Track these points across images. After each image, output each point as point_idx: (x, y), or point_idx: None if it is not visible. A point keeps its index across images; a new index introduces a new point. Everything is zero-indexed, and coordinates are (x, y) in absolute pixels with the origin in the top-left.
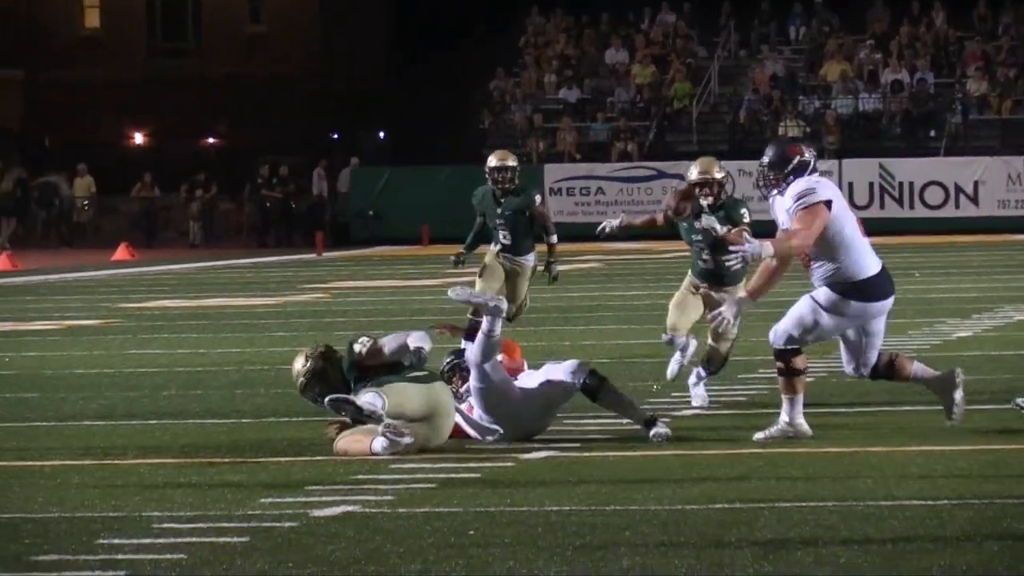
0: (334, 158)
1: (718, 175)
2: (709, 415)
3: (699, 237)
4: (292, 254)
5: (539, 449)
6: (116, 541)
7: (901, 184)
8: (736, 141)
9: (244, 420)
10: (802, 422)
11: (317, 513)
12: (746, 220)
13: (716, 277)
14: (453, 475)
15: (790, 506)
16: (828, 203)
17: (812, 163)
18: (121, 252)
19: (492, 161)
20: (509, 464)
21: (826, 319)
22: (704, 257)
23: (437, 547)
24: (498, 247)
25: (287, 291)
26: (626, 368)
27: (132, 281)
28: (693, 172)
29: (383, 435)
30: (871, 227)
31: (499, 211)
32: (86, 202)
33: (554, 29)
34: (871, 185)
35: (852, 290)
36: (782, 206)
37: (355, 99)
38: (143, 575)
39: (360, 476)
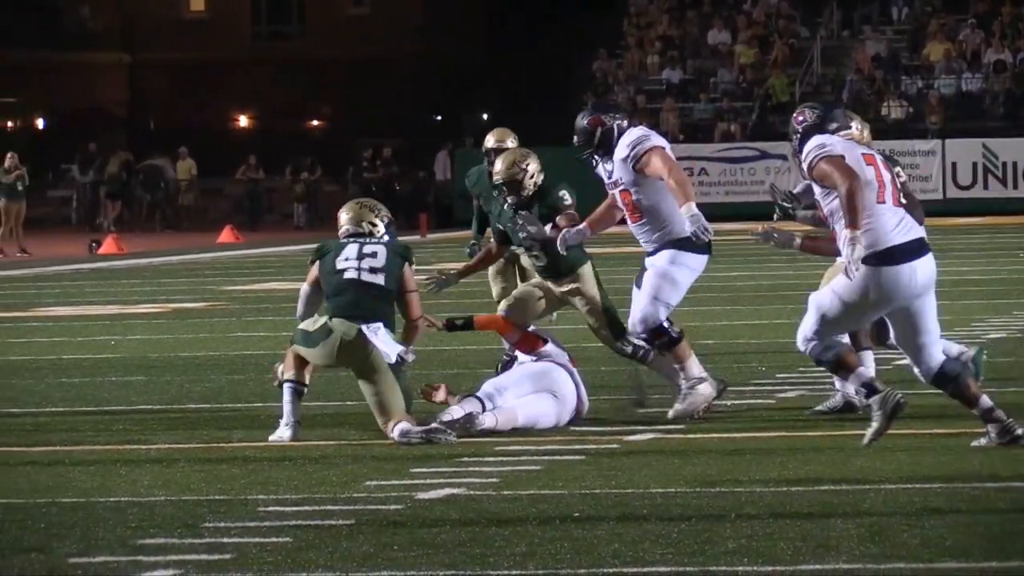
0: (437, 140)
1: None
2: (812, 396)
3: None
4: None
5: (643, 431)
6: (222, 524)
7: (1004, 164)
8: None
9: (348, 402)
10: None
11: (422, 496)
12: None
13: (554, 271)
14: (558, 457)
15: (895, 487)
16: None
17: (616, 128)
18: (226, 235)
19: (489, 141)
20: (614, 446)
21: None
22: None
23: (542, 529)
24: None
25: None
26: (728, 349)
27: (237, 264)
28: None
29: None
30: (974, 207)
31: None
32: (186, 183)
33: (656, 10)
34: (974, 165)
35: (688, 244)
36: (618, 159)
37: (457, 81)
38: (249, 558)
39: (465, 458)
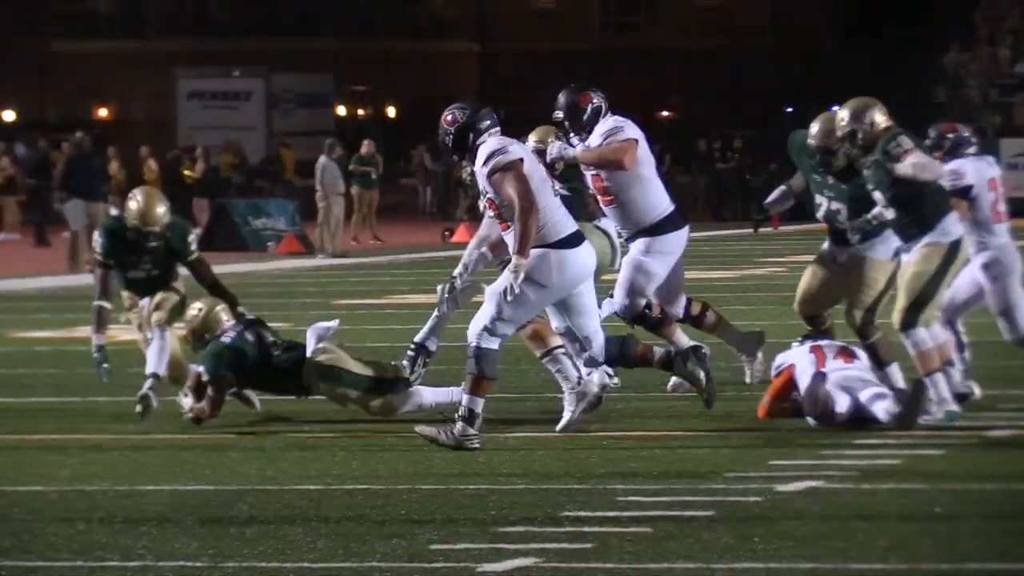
0: (790, 131)
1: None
2: None
3: None
4: (749, 228)
5: (1003, 426)
6: (582, 514)
7: None
8: None
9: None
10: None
11: (781, 488)
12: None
13: None
14: (917, 451)
15: None
16: (521, 161)
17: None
18: None
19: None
20: (973, 441)
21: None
22: None
23: (903, 523)
24: None
25: (745, 264)
26: None
27: None
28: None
29: None
30: None
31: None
32: None
33: (1008, 3)
34: None
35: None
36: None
37: (808, 72)
38: (609, 548)
39: (824, 452)
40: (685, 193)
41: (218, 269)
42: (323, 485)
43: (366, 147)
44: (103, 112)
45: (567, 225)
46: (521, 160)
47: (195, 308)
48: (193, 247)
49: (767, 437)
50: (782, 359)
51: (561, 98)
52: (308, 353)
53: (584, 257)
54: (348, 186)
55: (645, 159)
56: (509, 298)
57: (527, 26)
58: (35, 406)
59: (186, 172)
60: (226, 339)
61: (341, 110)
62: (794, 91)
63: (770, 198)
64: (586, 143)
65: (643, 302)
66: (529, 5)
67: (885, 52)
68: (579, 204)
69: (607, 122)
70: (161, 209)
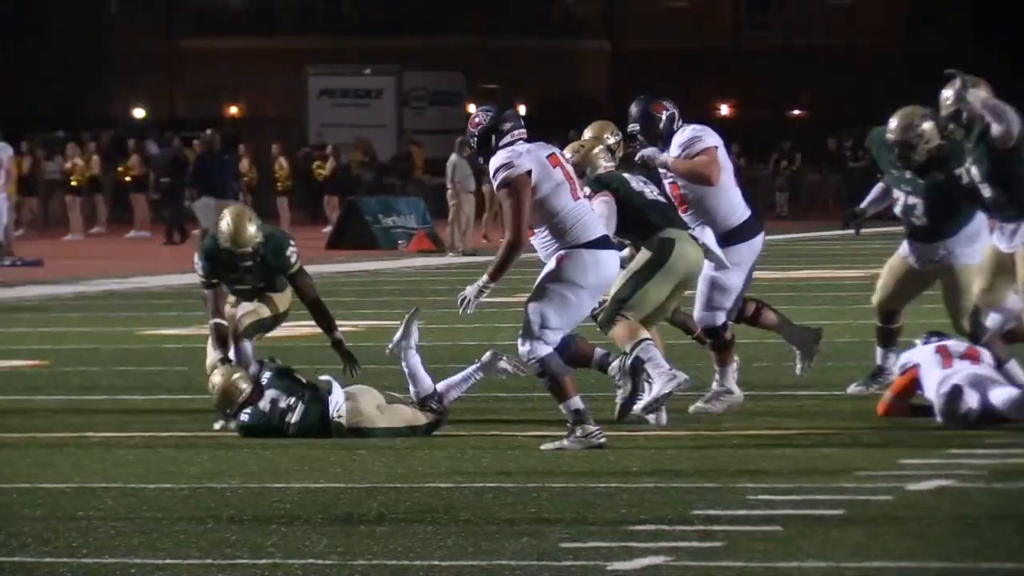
0: None
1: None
2: None
3: None
4: (878, 227)
5: None
6: (712, 512)
7: None
8: None
9: (835, 392)
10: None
11: (912, 487)
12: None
13: None
14: None
15: None
16: (528, 173)
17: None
18: None
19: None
20: None
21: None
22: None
23: None
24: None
25: (875, 263)
26: None
27: None
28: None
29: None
30: None
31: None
32: None
33: None
34: None
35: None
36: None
37: (937, 70)
38: (739, 547)
39: (954, 450)
40: (815, 192)
41: (348, 267)
42: (453, 483)
43: None
44: (233, 110)
45: (596, 229)
46: (527, 174)
47: (211, 383)
48: (292, 260)
49: (897, 436)
50: (907, 358)
51: (634, 109)
52: (331, 412)
53: (613, 263)
54: (479, 184)
55: (725, 165)
56: (469, 311)
57: (658, 25)
58: (165, 404)
59: (317, 170)
60: (244, 418)
61: (472, 108)
62: (927, 94)
63: (867, 200)
64: (664, 152)
65: (722, 316)
66: (660, 4)
67: (1016, 51)
68: (674, 210)
69: (684, 131)
70: (251, 229)
